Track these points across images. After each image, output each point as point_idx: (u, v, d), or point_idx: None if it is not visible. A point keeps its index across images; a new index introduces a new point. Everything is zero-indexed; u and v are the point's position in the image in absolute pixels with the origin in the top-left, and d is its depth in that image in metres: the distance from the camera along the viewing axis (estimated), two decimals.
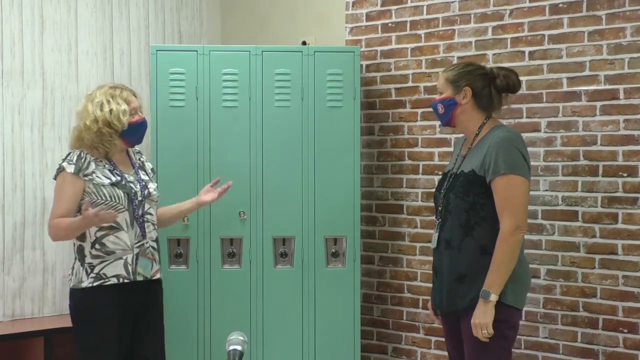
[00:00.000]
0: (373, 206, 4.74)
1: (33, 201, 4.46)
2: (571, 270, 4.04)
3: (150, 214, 3.71)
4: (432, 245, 3.41)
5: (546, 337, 4.10)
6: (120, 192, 3.60)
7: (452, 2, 4.40)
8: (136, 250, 3.63)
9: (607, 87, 3.94)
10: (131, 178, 3.67)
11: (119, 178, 3.62)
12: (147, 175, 3.78)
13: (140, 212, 3.65)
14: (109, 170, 3.63)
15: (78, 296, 3.62)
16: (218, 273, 4.37)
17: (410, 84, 4.58)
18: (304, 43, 4.77)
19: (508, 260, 3.16)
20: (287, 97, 4.38)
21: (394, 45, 4.63)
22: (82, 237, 3.61)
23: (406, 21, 4.58)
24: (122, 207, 3.60)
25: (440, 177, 3.56)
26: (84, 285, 3.58)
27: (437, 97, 3.42)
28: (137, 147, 3.85)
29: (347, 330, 4.39)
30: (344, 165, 4.39)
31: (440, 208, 3.38)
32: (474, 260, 3.22)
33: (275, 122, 4.38)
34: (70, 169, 3.58)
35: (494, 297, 3.14)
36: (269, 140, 4.38)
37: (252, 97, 4.37)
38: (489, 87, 3.34)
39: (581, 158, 4.01)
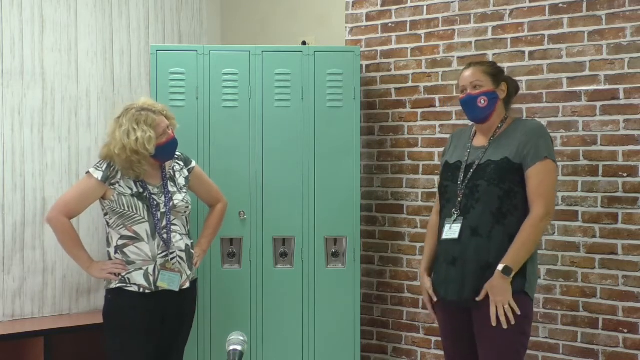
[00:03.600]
0: (373, 206, 4.74)
1: (33, 201, 4.46)
2: (571, 270, 4.05)
3: (176, 224, 3.73)
4: (451, 235, 3.35)
5: (546, 337, 4.10)
6: (140, 203, 3.64)
7: (452, 2, 4.40)
8: (160, 261, 3.67)
9: (607, 87, 3.94)
10: (155, 190, 3.70)
11: (141, 190, 3.67)
12: (176, 186, 3.79)
13: (163, 223, 3.68)
14: (134, 181, 3.67)
15: (107, 297, 3.74)
16: (218, 273, 4.37)
17: (410, 84, 4.58)
18: (304, 43, 4.77)
19: (533, 244, 3.24)
20: (287, 97, 4.38)
21: (394, 45, 4.63)
22: (107, 244, 3.73)
23: (406, 21, 4.58)
24: (140, 217, 3.65)
25: (443, 168, 3.54)
26: (112, 286, 3.69)
27: (472, 91, 3.39)
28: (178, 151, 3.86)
29: (347, 330, 4.39)
30: (344, 165, 4.39)
31: (460, 198, 3.35)
32: (502, 248, 3.24)
33: (275, 122, 4.37)
34: (97, 174, 3.65)
35: (512, 275, 3.19)
36: (269, 140, 4.38)
37: (252, 97, 4.37)
38: (512, 86, 3.48)
39: (581, 158, 4.01)
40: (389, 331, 4.69)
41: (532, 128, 3.32)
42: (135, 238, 3.66)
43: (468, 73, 3.42)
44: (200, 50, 4.38)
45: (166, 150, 3.72)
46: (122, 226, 3.67)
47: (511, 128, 3.36)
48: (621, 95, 3.91)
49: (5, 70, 4.38)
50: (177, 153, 3.85)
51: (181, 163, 3.88)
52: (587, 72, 4.00)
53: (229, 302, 4.36)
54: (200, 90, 4.36)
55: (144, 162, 3.63)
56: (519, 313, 3.19)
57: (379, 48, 4.68)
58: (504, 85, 3.42)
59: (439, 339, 4.45)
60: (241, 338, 2.45)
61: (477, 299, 3.24)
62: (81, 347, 4.57)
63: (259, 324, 4.37)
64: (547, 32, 4.11)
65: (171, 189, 3.75)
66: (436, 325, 4.43)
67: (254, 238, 4.38)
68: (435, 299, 3.47)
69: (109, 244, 3.74)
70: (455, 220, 3.35)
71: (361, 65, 4.62)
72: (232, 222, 4.35)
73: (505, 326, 3.19)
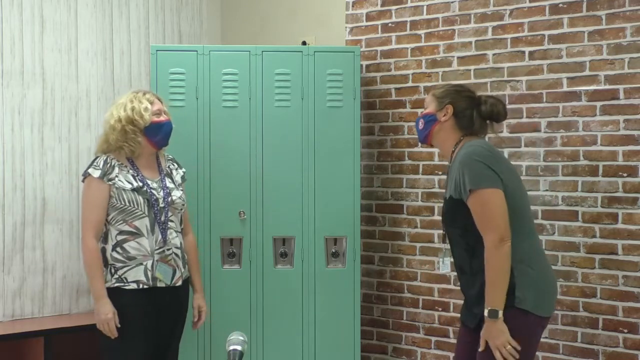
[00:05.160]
0: (373, 206, 4.74)
1: (33, 201, 4.46)
2: (571, 270, 4.05)
3: (173, 221, 3.75)
4: (443, 270, 3.43)
5: (546, 337, 4.10)
6: (141, 198, 3.67)
7: (452, 2, 4.40)
8: (156, 257, 3.69)
9: (607, 87, 3.94)
10: (154, 185, 3.73)
11: (140, 184, 3.69)
12: (174, 183, 3.82)
13: (162, 218, 3.70)
14: (132, 175, 3.70)
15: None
16: (218, 273, 4.37)
17: (410, 84, 4.58)
18: (304, 43, 4.77)
19: (501, 274, 3.09)
20: (287, 97, 4.38)
21: (394, 45, 4.63)
22: (104, 240, 3.71)
23: (406, 21, 4.58)
24: (141, 212, 3.67)
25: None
26: (107, 285, 3.68)
27: (428, 99, 3.40)
28: (170, 155, 3.93)
29: (347, 330, 4.39)
30: (344, 165, 4.39)
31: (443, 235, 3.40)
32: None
33: (275, 122, 4.37)
34: (96, 173, 3.67)
35: (501, 314, 3.08)
36: (269, 140, 4.38)
37: (252, 97, 4.37)
38: (472, 109, 3.31)
39: (581, 158, 4.01)
40: (389, 331, 4.69)
41: (460, 160, 3.16)
42: (136, 233, 3.67)
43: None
44: (200, 50, 4.38)
45: (162, 130, 3.75)
46: (122, 222, 3.67)
47: (457, 156, 3.23)
48: (621, 95, 3.91)
49: (5, 70, 4.38)
50: (170, 157, 3.92)
51: (176, 165, 3.94)
52: (587, 72, 4.00)
53: (229, 302, 4.36)
54: (200, 90, 4.36)
55: (138, 134, 3.68)
56: (518, 348, 3.10)
57: (379, 48, 4.68)
58: (449, 108, 3.29)
59: (439, 339, 4.47)
60: (241, 338, 2.45)
61: (480, 350, 3.16)
62: (81, 347, 4.57)
63: (259, 324, 4.37)
64: (547, 32, 4.11)
65: (169, 184, 3.79)
66: (436, 325, 4.44)
67: (254, 238, 4.38)
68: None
69: (106, 240, 3.71)
70: (445, 254, 3.39)
71: (361, 65, 4.62)
72: (232, 222, 4.35)
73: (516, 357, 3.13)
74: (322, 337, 4.39)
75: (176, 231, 3.77)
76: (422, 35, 4.52)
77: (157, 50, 4.37)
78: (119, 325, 3.63)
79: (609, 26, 3.93)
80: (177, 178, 3.87)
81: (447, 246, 3.35)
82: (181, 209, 3.82)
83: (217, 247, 4.37)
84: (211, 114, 4.36)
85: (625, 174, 3.90)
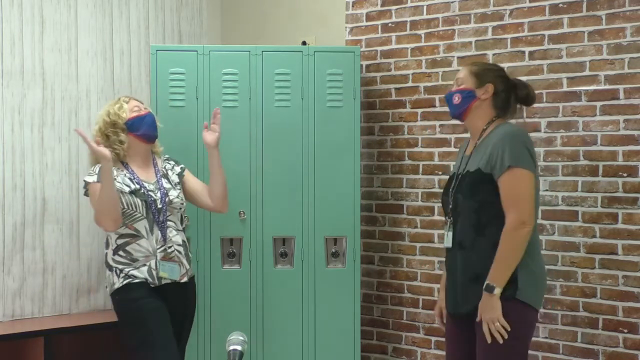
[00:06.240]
0: (373, 206, 4.74)
1: (33, 201, 4.46)
2: (571, 270, 4.04)
3: (172, 220, 3.77)
4: (446, 244, 3.36)
5: (546, 337, 4.10)
6: (138, 201, 3.69)
7: (452, 2, 4.40)
8: (159, 255, 3.70)
9: (607, 87, 3.94)
10: (151, 187, 3.76)
11: (137, 186, 3.72)
12: (170, 183, 3.84)
13: (161, 218, 3.72)
14: (129, 178, 3.72)
15: (116, 299, 3.73)
16: (218, 273, 4.37)
17: (410, 84, 4.58)
18: (304, 43, 4.77)
19: (512, 256, 3.14)
20: (287, 97, 4.38)
21: (394, 45, 4.63)
22: (106, 245, 3.76)
23: (406, 21, 4.58)
24: (139, 214, 3.70)
25: (448, 179, 3.54)
26: (116, 286, 3.69)
27: (453, 88, 3.42)
28: (166, 154, 3.95)
29: (347, 330, 4.39)
30: (344, 165, 4.39)
31: (449, 211, 3.36)
32: (487, 258, 3.18)
33: (275, 122, 4.37)
34: (93, 178, 3.69)
35: (497, 291, 3.13)
36: (269, 140, 4.38)
37: (252, 97, 4.37)
38: (508, 92, 3.38)
39: (581, 158, 4.01)
40: (389, 331, 4.69)
41: (501, 137, 3.21)
42: (136, 235, 3.69)
43: (459, 71, 3.47)
44: (200, 50, 4.38)
45: (143, 122, 3.79)
46: (122, 225, 3.68)
47: (493, 133, 3.28)
48: (621, 95, 3.91)
49: (5, 70, 4.38)
50: (166, 156, 3.95)
51: (172, 163, 3.96)
52: (587, 72, 4.00)
53: (229, 302, 4.36)
54: (200, 90, 4.36)
55: (121, 134, 3.73)
56: (508, 329, 3.14)
57: (379, 48, 4.68)
58: (489, 86, 3.33)
59: (439, 339, 4.46)
60: (241, 338, 2.45)
61: (477, 320, 3.21)
62: (81, 347, 4.57)
63: (259, 324, 4.37)
64: (547, 32, 4.11)
65: (166, 185, 3.81)
66: (436, 325, 4.44)
67: (254, 238, 4.38)
68: (444, 312, 3.46)
69: (107, 245, 3.75)
70: (449, 229, 3.34)
71: (361, 65, 4.62)
72: (232, 222, 4.35)
73: (500, 341, 3.16)
74: (322, 337, 4.39)
75: (176, 229, 3.78)
76: (422, 35, 4.53)
77: (157, 50, 4.37)
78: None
79: (609, 26, 3.93)
80: (174, 177, 3.89)
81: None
82: (180, 208, 3.83)
83: (217, 247, 4.37)
84: (211, 114, 4.36)
85: (625, 174, 3.90)
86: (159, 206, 3.73)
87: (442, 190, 3.55)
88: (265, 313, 4.38)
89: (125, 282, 3.68)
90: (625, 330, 3.89)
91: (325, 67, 4.39)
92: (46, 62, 4.51)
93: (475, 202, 3.23)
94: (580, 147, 4.01)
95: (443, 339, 4.44)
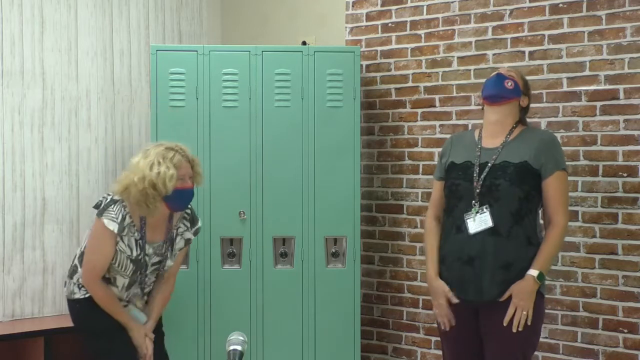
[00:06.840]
0: (373, 206, 4.74)
1: (33, 201, 4.46)
2: (571, 270, 4.04)
3: (150, 278, 3.69)
4: (483, 225, 3.29)
5: (546, 337, 4.10)
6: (132, 266, 3.57)
7: (452, 2, 4.40)
8: (124, 302, 3.67)
9: (607, 87, 3.94)
10: (150, 251, 3.62)
11: (138, 252, 3.57)
12: (172, 251, 3.69)
13: (143, 278, 3.65)
14: (135, 240, 3.57)
15: (74, 307, 3.68)
16: (218, 273, 4.37)
17: (410, 84, 4.58)
18: (304, 43, 4.77)
19: (557, 251, 3.42)
20: (287, 97, 4.38)
21: (394, 45, 4.63)
22: (80, 261, 3.62)
23: (406, 21, 4.58)
24: (125, 274, 3.59)
25: (448, 167, 3.49)
26: (76, 297, 3.64)
27: (505, 73, 3.45)
28: (189, 210, 3.75)
29: (347, 330, 4.39)
30: (344, 165, 4.39)
31: (476, 196, 3.33)
32: (521, 249, 3.26)
33: (275, 122, 4.37)
34: (114, 227, 3.50)
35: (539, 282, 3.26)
36: (269, 140, 4.38)
37: (252, 97, 4.37)
38: (527, 110, 3.56)
39: (581, 158, 4.01)
40: (389, 331, 4.69)
41: (551, 138, 3.40)
42: (110, 282, 3.61)
43: (507, 66, 3.66)
44: (200, 50, 4.38)
45: (180, 196, 3.56)
46: None
47: (526, 134, 3.40)
48: (621, 95, 3.91)
49: (5, 70, 4.38)
50: (188, 209, 3.74)
51: (187, 224, 3.75)
52: (587, 72, 4.00)
53: (229, 302, 4.36)
54: (200, 90, 4.36)
55: (157, 199, 3.49)
56: (529, 324, 3.22)
57: (379, 48, 4.68)
58: (526, 99, 3.48)
59: (439, 339, 4.46)
60: (241, 338, 2.46)
61: (501, 299, 3.24)
62: (81, 347, 4.56)
63: (259, 324, 4.37)
64: (547, 32, 4.11)
65: (166, 252, 3.68)
66: (436, 325, 4.43)
67: (254, 238, 4.38)
68: (455, 301, 3.35)
69: (72, 274, 3.66)
70: (478, 212, 3.31)
71: (361, 65, 4.62)
72: (232, 222, 4.35)
73: (520, 329, 3.19)
74: (322, 336, 4.39)
75: (149, 285, 3.72)
76: (422, 35, 4.53)
77: (157, 50, 4.37)
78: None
79: (609, 26, 3.93)
80: (179, 244, 3.72)
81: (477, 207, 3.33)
82: (165, 270, 3.73)
83: (217, 247, 4.37)
84: (211, 114, 4.36)
85: (625, 174, 3.90)
86: (149, 270, 3.65)
87: None
88: (265, 313, 4.38)
89: (88, 296, 3.60)
90: (625, 330, 3.89)
91: (325, 67, 4.39)
92: (46, 62, 4.51)
93: (522, 191, 3.29)
94: (580, 147, 4.01)
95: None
